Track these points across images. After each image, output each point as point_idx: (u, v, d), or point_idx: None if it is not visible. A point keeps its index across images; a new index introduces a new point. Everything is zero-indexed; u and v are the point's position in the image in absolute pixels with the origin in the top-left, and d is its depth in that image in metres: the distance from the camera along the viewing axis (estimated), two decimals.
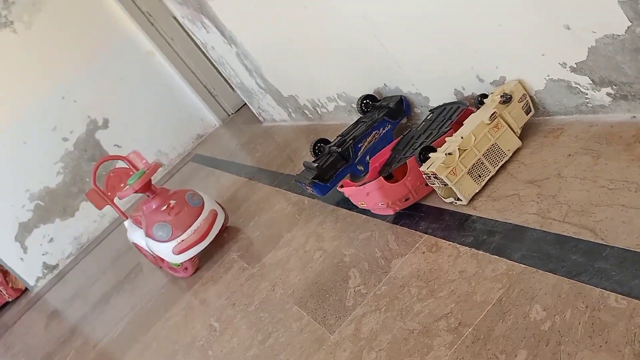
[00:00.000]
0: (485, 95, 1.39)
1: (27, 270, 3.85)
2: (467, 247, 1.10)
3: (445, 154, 1.24)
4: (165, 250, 1.97)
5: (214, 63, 3.24)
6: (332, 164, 1.69)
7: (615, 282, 0.80)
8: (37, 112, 3.71)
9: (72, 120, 3.80)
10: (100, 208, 2.26)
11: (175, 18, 3.26)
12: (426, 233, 1.24)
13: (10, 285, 3.85)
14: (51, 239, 3.92)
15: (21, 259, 3.83)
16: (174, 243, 1.94)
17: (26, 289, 3.91)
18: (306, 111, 2.55)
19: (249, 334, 1.39)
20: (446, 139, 1.32)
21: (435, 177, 1.26)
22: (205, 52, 3.18)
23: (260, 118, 3.26)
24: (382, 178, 1.35)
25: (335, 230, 1.54)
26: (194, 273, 2.02)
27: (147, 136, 3.97)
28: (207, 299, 1.76)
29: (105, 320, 2.28)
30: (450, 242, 1.15)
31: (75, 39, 3.74)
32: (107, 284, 2.70)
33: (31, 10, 3.62)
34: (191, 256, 1.96)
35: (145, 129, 3.96)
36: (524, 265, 0.95)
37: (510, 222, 1.08)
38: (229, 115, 4.09)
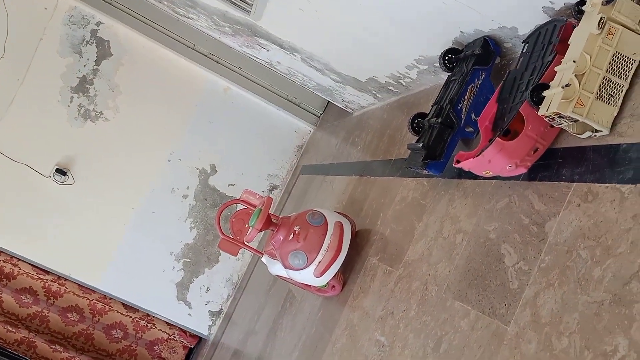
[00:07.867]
0: (582, 2, 1.18)
1: (198, 323, 4.15)
2: (630, 185, 0.92)
3: (562, 87, 1.07)
4: (307, 276, 1.96)
5: (285, 75, 3.21)
6: (438, 137, 1.55)
7: None
8: (154, 182, 3.97)
9: (184, 177, 4.01)
10: (235, 254, 2.32)
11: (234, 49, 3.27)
12: (573, 181, 1.07)
13: (187, 334, 4.15)
14: (207, 288, 4.16)
15: (189, 314, 4.13)
16: (312, 267, 1.93)
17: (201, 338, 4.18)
18: (390, 87, 2.41)
19: (419, 342, 1.31)
20: (555, 69, 1.14)
21: (560, 117, 1.09)
22: (273, 69, 3.16)
23: (348, 110, 3.17)
24: (499, 138, 1.20)
25: (467, 206, 1.41)
26: (343, 289, 1.99)
27: (253, 166, 4.08)
28: (364, 312, 1.72)
29: (280, 356, 2.34)
30: (607, 185, 0.98)
31: (159, 105, 3.92)
32: (269, 317, 2.78)
33: (112, 96, 3.85)
34: (333, 274, 1.94)
35: (249, 160, 4.07)
36: None
37: None
38: (319, 117, 4.06)
